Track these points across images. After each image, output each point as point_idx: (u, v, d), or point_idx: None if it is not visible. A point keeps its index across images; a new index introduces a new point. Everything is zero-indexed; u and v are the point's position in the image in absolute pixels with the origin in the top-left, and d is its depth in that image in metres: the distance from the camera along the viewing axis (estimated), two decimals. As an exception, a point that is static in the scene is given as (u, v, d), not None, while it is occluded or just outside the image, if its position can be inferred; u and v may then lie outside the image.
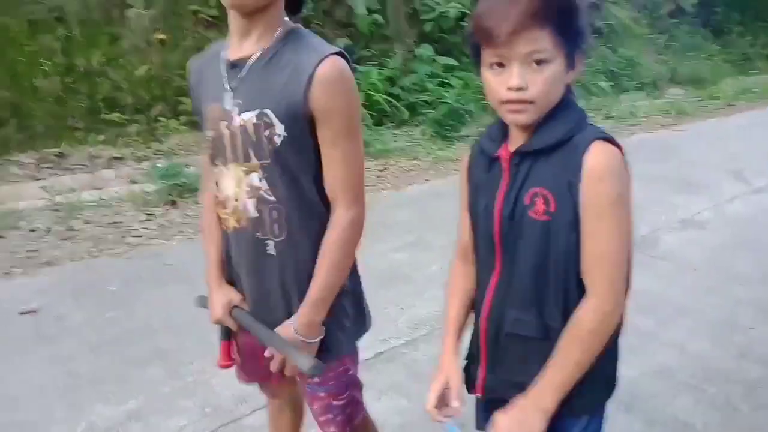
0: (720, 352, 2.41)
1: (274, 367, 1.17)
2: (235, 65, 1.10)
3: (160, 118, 5.67)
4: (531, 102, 0.91)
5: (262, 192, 1.11)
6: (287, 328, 1.14)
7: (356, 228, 1.12)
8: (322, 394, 1.26)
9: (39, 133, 5.08)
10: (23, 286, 3.01)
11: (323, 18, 6.93)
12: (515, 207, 0.97)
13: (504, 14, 0.87)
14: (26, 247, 3.45)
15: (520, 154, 0.98)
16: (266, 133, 1.06)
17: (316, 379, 1.22)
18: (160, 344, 2.49)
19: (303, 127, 1.06)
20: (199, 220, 1.27)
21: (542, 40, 0.89)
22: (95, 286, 3.00)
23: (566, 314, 0.96)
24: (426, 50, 7.11)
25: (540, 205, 0.95)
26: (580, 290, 0.96)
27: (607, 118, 7.70)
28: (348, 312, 1.22)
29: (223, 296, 1.25)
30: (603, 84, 8.54)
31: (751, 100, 9.55)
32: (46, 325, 2.64)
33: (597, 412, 1.07)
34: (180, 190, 4.41)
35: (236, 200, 1.15)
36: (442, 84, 6.94)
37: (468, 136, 6.57)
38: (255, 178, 1.11)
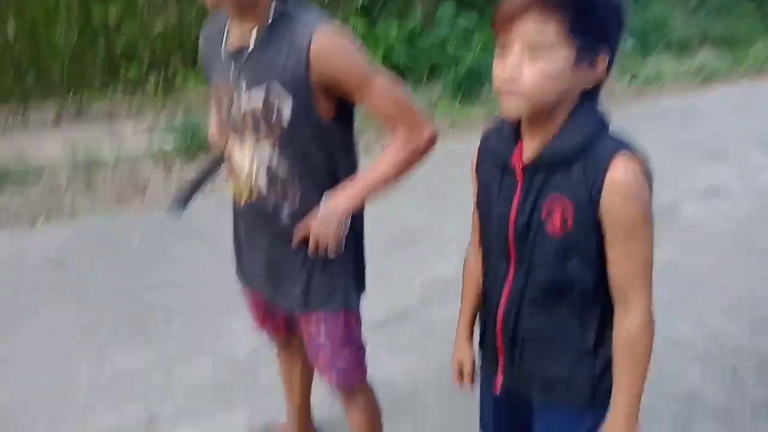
0: (735, 327, 2.40)
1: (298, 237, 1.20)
2: (236, 53, 1.15)
3: (178, 72, 5.64)
4: (521, 92, 0.86)
5: (273, 164, 1.15)
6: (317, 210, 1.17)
7: (426, 146, 1.18)
8: (326, 345, 1.30)
9: (58, 86, 5.09)
10: (46, 238, 3.07)
11: (344, -29, 6.75)
12: (530, 219, 0.95)
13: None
14: (48, 199, 3.51)
15: (534, 165, 0.94)
16: (275, 106, 1.10)
17: (321, 331, 1.28)
18: (178, 299, 2.55)
19: (308, 98, 1.09)
20: None
21: (544, 29, 0.83)
22: (115, 240, 3.05)
23: (582, 319, 0.99)
24: (448, 8, 6.91)
25: (557, 221, 0.92)
26: (596, 296, 0.97)
27: (632, 80, 7.49)
28: (351, 268, 1.27)
29: None
30: (629, 43, 8.24)
31: (785, 65, 9.20)
32: (70, 276, 2.71)
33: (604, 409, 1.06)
34: (197, 144, 4.42)
35: (248, 174, 1.19)
36: (463, 42, 6.77)
37: (489, 97, 6.45)
38: (266, 151, 1.15)
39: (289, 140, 1.13)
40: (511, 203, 0.97)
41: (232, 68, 1.15)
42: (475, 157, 1.08)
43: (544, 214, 0.93)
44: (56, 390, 1.99)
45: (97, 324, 2.35)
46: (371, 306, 2.48)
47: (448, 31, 6.78)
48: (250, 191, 1.21)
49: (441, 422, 1.91)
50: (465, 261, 1.19)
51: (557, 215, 0.91)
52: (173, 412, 1.92)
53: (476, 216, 1.11)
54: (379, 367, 2.14)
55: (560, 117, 0.91)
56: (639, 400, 0.98)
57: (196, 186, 1.36)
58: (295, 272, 1.23)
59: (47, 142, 4.41)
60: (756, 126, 5.47)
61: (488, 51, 6.59)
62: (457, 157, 4.94)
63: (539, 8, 0.82)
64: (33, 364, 2.12)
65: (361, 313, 1.36)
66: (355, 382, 1.39)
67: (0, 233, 3.08)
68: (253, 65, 1.12)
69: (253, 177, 1.19)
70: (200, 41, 1.31)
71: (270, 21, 1.11)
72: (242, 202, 1.25)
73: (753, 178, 4.18)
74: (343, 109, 1.17)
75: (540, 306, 1.00)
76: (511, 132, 0.98)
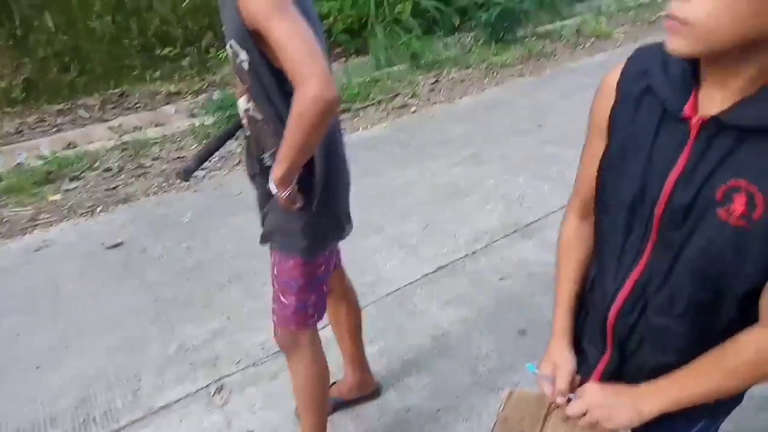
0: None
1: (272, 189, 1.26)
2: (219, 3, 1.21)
3: (211, 49, 5.71)
4: (687, 23, 0.62)
5: (251, 113, 1.24)
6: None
7: (309, 108, 1.03)
8: (275, 285, 1.40)
9: (99, 75, 5.26)
10: (106, 223, 3.24)
11: None
12: (697, 197, 0.70)
13: None
14: (103, 186, 3.68)
15: (720, 125, 0.68)
16: (238, 60, 1.16)
17: (275, 270, 1.38)
18: (235, 269, 2.66)
19: (255, 48, 1.12)
20: None
21: None
22: (170, 218, 3.19)
23: (728, 334, 0.76)
24: (475, -54, 6.60)
25: (739, 206, 0.67)
26: (755, 307, 0.74)
27: None
28: (319, 221, 1.31)
29: None
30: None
31: None
32: (131, 256, 2.87)
33: (717, 419, 0.92)
34: (236, 117, 4.50)
35: (243, 122, 1.32)
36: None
37: (524, 37, 6.20)
38: (244, 101, 1.25)
39: (255, 91, 1.19)
40: (669, 166, 0.72)
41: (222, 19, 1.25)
42: (610, 98, 0.81)
43: (719, 195, 0.69)
44: (129, 366, 2.15)
45: (161, 300, 2.50)
46: (419, 262, 2.55)
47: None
48: (246, 137, 1.35)
49: (496, 367, 1.95)
50: (560, 234, 0.97)
51: (740, 200, 0.67)
52: (239, 378, 2.04)
53: (591, 176, 0.85)
54: (432, 317, 2.20)
55: (758, 65, 0.65)
56: (676, 405, 0.78)
57: (204, 155, 1.46)
58: (269, 210, 1.36)
59: (96, 132, 4.60)
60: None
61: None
62: (494, 105, 4.87)
63: None
64: (106, 343, 2.28)
65: (318, 267, 1.38)
66: (291, 327, 1.44)
67: (64, 224, 3.27)
68: (224, 24, 1.20)
69: (245, 124, 1.31)
70: None
71: None
72: (247, 148, 1.40)
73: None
74: None
75: (681, 311, 0.77)
76: (683, 69, 0.71)
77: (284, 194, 1.21)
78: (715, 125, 0.69)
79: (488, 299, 2.28)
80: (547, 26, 6.55)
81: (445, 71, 5.42)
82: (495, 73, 5.27)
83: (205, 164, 3.88)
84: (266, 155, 1.29)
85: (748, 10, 0.60)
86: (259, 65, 1.14)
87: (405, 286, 2.40)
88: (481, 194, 3.09)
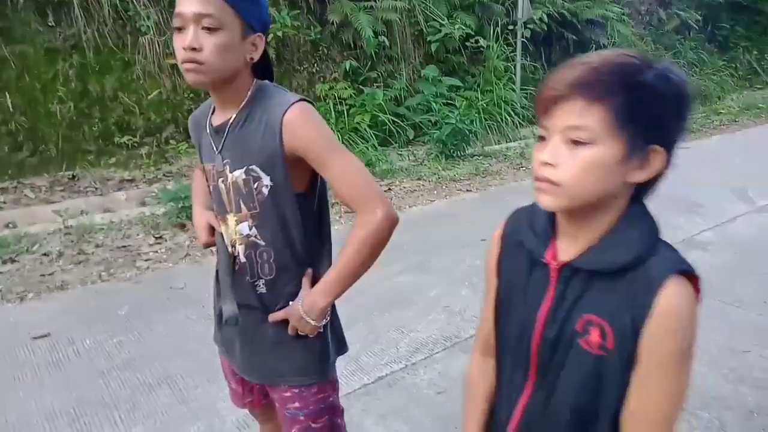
0: (716, 377, 2.44)
1: (276, 318, 1.24)
2: (218, 130, 1.23)
3: (171, 141, 5.81)
4: (558, 184, 0.76)
5: (252, 238, 1.23)
6: (295, 303, 1.21)
7: (380, 227, 1.15)
8: (301, 418, 1.31)
9: (53, 157, 5.23)
10: (36, 311, 3.10)
11: (330, 41, 7.08)
12: (562, 330, 0.83)
13: (554, 80, 0.76)
14: (39, 271, 3.55)
15: (574, 268, 0.82)
16: (255, 185, 1.19)
17: (296, 404, 1.30)
18: (167, 369, 2.56)
19: (284, 174, 1.17)
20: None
21: (586, 116, 0.74)
22: (105, 310, 3.08)
23: None
24: (431, 71, 7.22)
25: (595, 337, 0.80)
26: None
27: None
28: (330, 339, 1.32)
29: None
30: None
31: (756, 116, 9.55)
32: (57, 349, 2.72)
33: None
34: (188, 212, 4.51)
35: (232, 246, 1.27)
36: (447, 104, 7.04)
37: (473, 155, 6.65)
38: (245, 226, 1.23)
39: (266, 217, 1.20)
40: (539, 305, 0.85)
41: (215, 147, 1.23)
42: (496, 249, 0.96)
43: (579, 327, 0.81)
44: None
45: (82, 400, 2.35)
46: (359, 371, 2.53)
47: (432, 91, 7.07)
48: (233, 262, 1.28)
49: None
50: (468, 373, 1.05)
51: (595, 332, 0.80)
52: (158, 488, 1.91)
53: (489, 317, 0.97)
54: (364, 434, 2.16)
55: (606, 218, 0.81)
56: None
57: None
58: (268, 344, 1.28)
59: (40, 214, 4.49)
60: (730, 176, 5.63)
61: (472, 109, 6.88)
62: (442, 217, 5.06)
63: (583, 93, 0.74)
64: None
65: (336, 379, 1.39)
66: None
67: (-10, 307, 3.10)
68: (233, 145, 1.20)
69: (235, 250, 1.26)
70: (189, 123, 1.39)
71: (247, 100, 1.17)
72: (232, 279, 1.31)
73: (728, 227, 4.30)
74: (315, 181, 1.25)
75: (562, 429, 0.86)
76: (545, 224, 0.87)
77: (323, 322, 1.22)
78: (570, 269, 0.83)
79: (424, 415, 2.27)
80: (494, 147, 7.07)
81: (397, 180, 5.69)
82: (444, 186, 5.57)
83: (152, 255, 3.84)
84: (261, 282, 1.25)
85: (600, 173, 0.76)
86: (283, 189, 1.18)
87: (343, 396, 2.36)
88: (424, 304, 3.16)
